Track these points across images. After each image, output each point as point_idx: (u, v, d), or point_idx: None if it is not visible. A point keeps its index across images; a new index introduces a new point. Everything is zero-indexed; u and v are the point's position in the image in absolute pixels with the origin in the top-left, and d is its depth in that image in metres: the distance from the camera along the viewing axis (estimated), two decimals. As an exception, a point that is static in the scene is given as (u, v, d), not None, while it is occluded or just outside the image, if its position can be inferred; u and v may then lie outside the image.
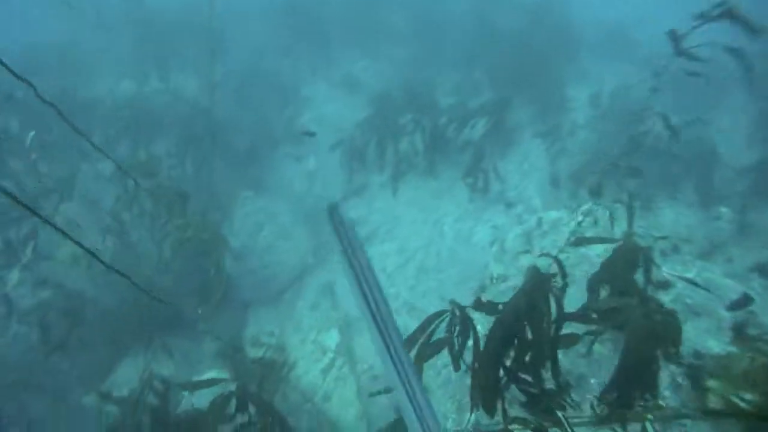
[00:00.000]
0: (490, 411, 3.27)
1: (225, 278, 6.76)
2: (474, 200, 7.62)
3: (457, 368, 3.73)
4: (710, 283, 4.95)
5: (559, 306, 3.29)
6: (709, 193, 6.69)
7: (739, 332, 3.80)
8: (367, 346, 6.84)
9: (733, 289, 4.87)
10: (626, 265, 3.51)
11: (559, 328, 3.20)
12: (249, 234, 7.72)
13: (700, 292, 4.60)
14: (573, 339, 3.28)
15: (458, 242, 7.45)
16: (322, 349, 6.95)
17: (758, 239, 6.12)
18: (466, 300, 6.92)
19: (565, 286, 3.45)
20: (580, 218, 5.75)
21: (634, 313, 3.12)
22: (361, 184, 8.47)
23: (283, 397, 6.54)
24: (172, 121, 8.46)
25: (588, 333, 3.40)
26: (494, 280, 5.90)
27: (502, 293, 5.84)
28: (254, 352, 7.11)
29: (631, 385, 2.98)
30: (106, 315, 6.04)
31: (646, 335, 3.02)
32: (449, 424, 4.45)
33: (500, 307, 3.43)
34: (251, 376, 6.66)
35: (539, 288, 3.22)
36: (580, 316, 3.37)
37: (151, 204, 6.30)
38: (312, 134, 8.06)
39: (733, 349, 3.80)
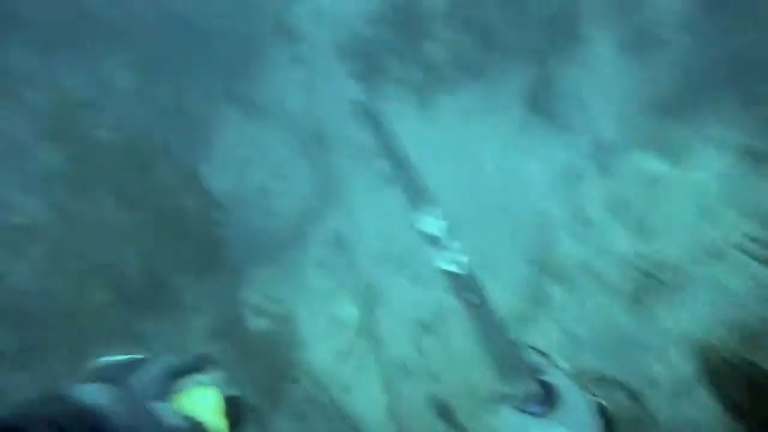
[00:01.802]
0: None
1: (215, 244, 5.25)
2: (527, 125, 5.86)
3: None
4: None
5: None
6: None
7: None
8: (395, 319, 5.54)
9: None
10: None
11: None
12: (235, 173, 6.03)
13: None
14: None
15: (505, 181, 5.84)
16: (337, 325, 5.64)
17: None
18: (521, 266, 5.43)
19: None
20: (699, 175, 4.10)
21: None
22: (372, 99, 6.60)
23: (294, 383, 5.41)
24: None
25: None
26: (566, 263, 4.42)
27: (582, 289, 4.41)
28: (256, 323, 5.84)
29: None
30: (58, 309, 4.52)
31: None
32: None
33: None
34: (255, 359, 5.54)
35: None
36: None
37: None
38: None
39: None
